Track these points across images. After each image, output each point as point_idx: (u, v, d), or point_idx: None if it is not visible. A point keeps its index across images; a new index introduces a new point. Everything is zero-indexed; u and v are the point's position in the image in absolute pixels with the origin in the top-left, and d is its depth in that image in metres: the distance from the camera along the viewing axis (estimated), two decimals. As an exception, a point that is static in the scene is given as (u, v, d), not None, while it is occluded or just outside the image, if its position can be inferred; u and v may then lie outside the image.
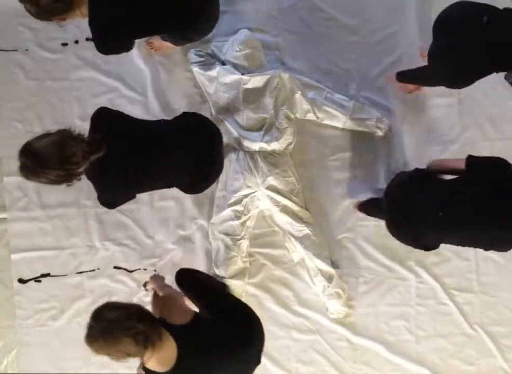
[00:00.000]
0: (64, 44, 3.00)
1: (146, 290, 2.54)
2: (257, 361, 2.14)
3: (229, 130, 2.86)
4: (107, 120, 2.18)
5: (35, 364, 2.98)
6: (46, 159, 1.86)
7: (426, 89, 2.95)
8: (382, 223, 3.01)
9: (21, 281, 2.98)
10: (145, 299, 2.98)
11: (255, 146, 2.84)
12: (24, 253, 2.98)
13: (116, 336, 1.71)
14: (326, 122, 2.97)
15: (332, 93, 2.95)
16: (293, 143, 2.92)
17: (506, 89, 3.02)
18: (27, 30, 2.99)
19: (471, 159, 2.24)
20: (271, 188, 2.86)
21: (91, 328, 1.75)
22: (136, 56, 3.00)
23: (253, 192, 2.87)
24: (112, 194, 2.27)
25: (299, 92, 2.87)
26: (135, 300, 2.98)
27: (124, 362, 1.76)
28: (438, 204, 2.19)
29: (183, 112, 2.50)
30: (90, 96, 3.01)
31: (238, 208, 2.88)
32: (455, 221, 2.16)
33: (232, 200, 2.87)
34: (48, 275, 2.99)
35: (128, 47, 2.46)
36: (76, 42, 3.00)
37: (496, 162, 2.20)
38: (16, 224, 2.99)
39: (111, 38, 2.33)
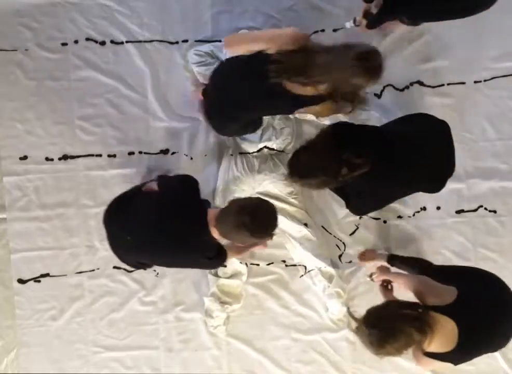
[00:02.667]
0: (64, 44, 3.00)
1: (372, 280, 2.72)
2: None
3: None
4: (361, 136, 2.27)
5: (35, 364, 2.98)
6: (322, 168, 2.03)
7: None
8: (382, 223, 3.03)
9: (21, 281, 2.98)
10: (145, 299, 2.98)
11: (253, 147, 2.85)
12: (24, 253, 2.98)
13: (401, 329, 1.82)
14: (326, 122, 2.96)
15: (331, 93, 2.95)
16: (291, 143, 2.91)
17: (506, 90, 3.03)
18: (27, 30, 2.99)
19: (161, 178, 2.42)
20: (265, 194, 2.85)
21: (372, 335, 1.86)
22: (136, 56, 3.01)
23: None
24: (368, 203, 2.44)
25: (299, 92, 2.87)
26: (135, 300, 2.98)
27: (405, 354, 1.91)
28: (126, 229, 2.28)
29: (419, 113, 2.54)
30: (90, 96, 3.00)
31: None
32: (139, 244, 2.25)
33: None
34: (47, 275, 2.98)
35: None
36: (76, 42, 3.00)
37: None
38: (16, 224, 2.99)
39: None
